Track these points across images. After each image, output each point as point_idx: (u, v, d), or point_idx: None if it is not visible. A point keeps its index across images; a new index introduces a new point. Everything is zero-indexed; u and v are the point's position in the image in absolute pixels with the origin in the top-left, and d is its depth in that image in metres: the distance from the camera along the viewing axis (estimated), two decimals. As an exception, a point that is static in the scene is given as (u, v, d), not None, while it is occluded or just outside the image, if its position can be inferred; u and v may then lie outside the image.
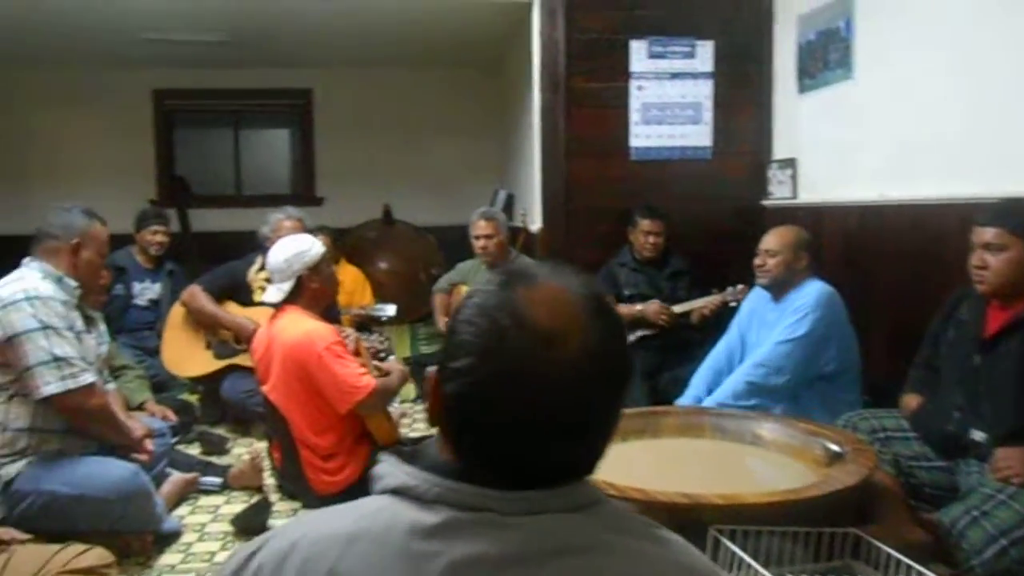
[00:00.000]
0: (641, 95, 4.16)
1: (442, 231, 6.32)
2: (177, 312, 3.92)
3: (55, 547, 2.07)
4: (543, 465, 0.77)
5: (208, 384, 3.87)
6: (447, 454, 0.81)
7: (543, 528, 0.75)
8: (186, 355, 3.83)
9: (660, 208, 3.85)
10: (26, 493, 2.36)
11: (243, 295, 3.86)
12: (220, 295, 3.82)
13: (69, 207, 2.70)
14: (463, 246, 4.67)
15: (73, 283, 2.57)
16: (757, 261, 2.93)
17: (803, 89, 3.83)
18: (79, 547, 2.06)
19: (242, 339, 3.67)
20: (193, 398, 4.05)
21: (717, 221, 4.12)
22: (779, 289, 2.88)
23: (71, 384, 2.39)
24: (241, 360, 3.70)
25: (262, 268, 3.90)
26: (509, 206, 5.43)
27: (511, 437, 0.76)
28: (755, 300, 3.05)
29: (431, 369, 0.84)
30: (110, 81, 6.30)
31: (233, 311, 3.81)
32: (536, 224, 4.39)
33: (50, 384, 2.36)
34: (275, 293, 2.75)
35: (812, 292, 2.76)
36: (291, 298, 2.77)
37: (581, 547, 0.75)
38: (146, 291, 4.49)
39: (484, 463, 0.77)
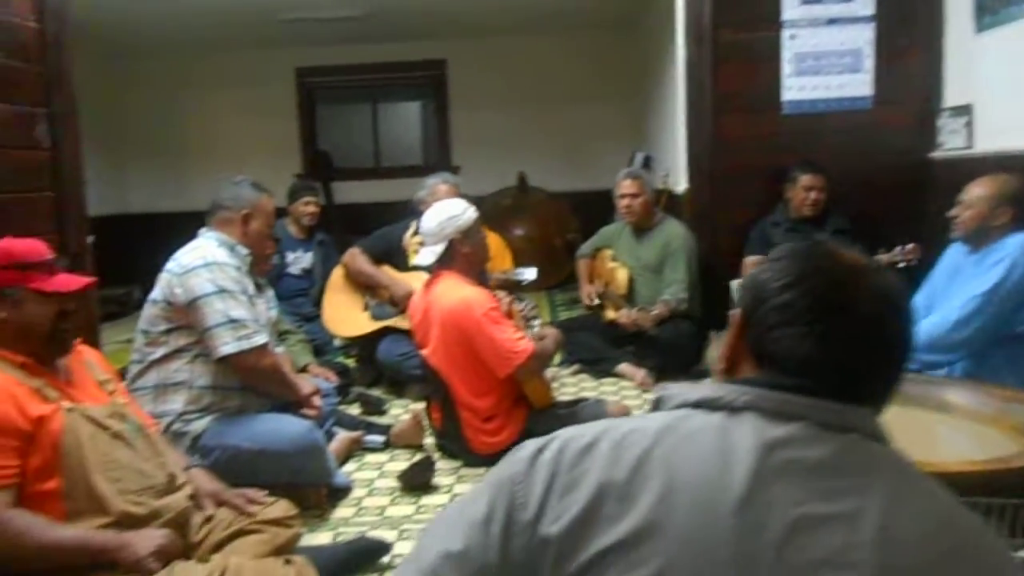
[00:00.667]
0: (794, 44, 3.93)
1: (576, 197, 6.26)
2: (337, 274, 4.08)
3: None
4: (848, 389, 0.83)
5: (364, 346, 4.00)
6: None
7: (854, 446, 0.80)
8: (345, 316, 3.98)
9: (819, 162, 3.64)
10: (212, 448, 2.50)
11: (398, 259, 3.96)
12: (378, 258, 3.94)
13: (239, 180, 2.85)
14: (597, 211, 4.60)
15: (244, 251, 2.70)
16: (953, 212, 2.71)
17: (981, 28, 3.50)
18: (267, 500, 2.18)
19: (397, 300, 3.77)
20: (349, 362, 4.20)
21: (879, 176, 3.85)
22: (976, 242, 2.65)
23: (245, 345, 2.51)
24: (397, 322, 3.80)
25: (416, 232, 3.98)
26: (647, 168, 5.30)
27: (823, 357, 0.83)
28: (953, 254, 2.83)
29: (734, 311, 0.92)
30: (255, 62, 6.58)
31: (389, 274, 3.93)
32: (681, 185, 4.26)
33: (227, 344, 2.50)
34: (428, 255, 2.79)
35: (1011, 245, 2.52)
36: (444, 263, 2.80)
37: (884, 472, 0.79)
38: (299, 260, 4.68)
39: (793, 382, 0.83)
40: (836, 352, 0.84)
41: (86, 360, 2.09)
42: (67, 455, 1.83)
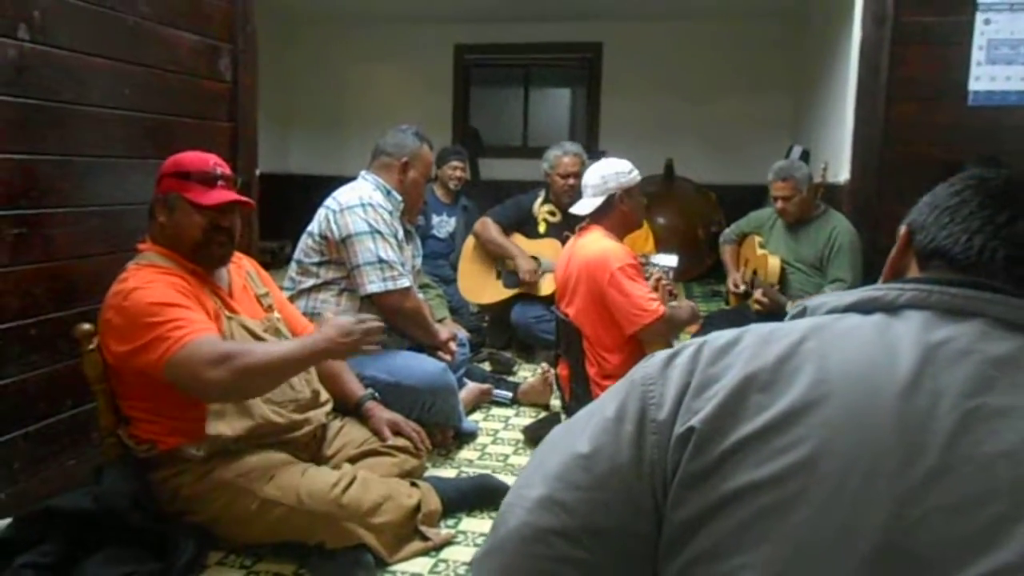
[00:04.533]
0: (988, 30, 3.61)
1: (724, 189, 6.06)
2: (470, 243, 4.13)
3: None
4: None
5: (497, 311, 4.03)
6: None
7: None
8: (479, 284, 4.03)
9: (1001, 159, 3.34)
10: (352, 376, 2.58)
11: (529, 227, 3.97)
12: (509, 227, 3.96)
13: (404, 128, 2.93)
14: (745, 205, 4.42)
15: (399, 197, 2.77)
16: None
17: None
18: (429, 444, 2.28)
19: (521, 276, 3.78)
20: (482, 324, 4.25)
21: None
22: None
23: (390, 285, 2.58)
24: (529, 289, 3.80)
25: (545, 201, 3.98)
26: (804, 161, 5.05)
27: (1000, 248, 0.76)
28: None
29: (902, 227, 0.87)
30: (416, 36, 6.77)
31: (520, 243, 3.93)
32: (843, 175, 4.02)
33: (373, 283, 2.56)
34: (585, 205, 2.75)
35: None
36: (598, 216, 2.75)
37: None
38: (443, 224, 4.77)
39: (966, 278, 0.76)
40: (1017, 241, 0.75)
41: (247, 271, 2.20)
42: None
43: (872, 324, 0.76)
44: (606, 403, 0.85)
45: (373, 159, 2.85)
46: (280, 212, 5.83)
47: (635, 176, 2.78)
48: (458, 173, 4.75)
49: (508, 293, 3.91)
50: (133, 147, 2.41)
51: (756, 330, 0.81)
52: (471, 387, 3.06)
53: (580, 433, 0.84)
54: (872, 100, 3.76)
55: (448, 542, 2.01)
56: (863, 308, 0.79)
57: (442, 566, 1.91)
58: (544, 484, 0.83)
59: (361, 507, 1.85)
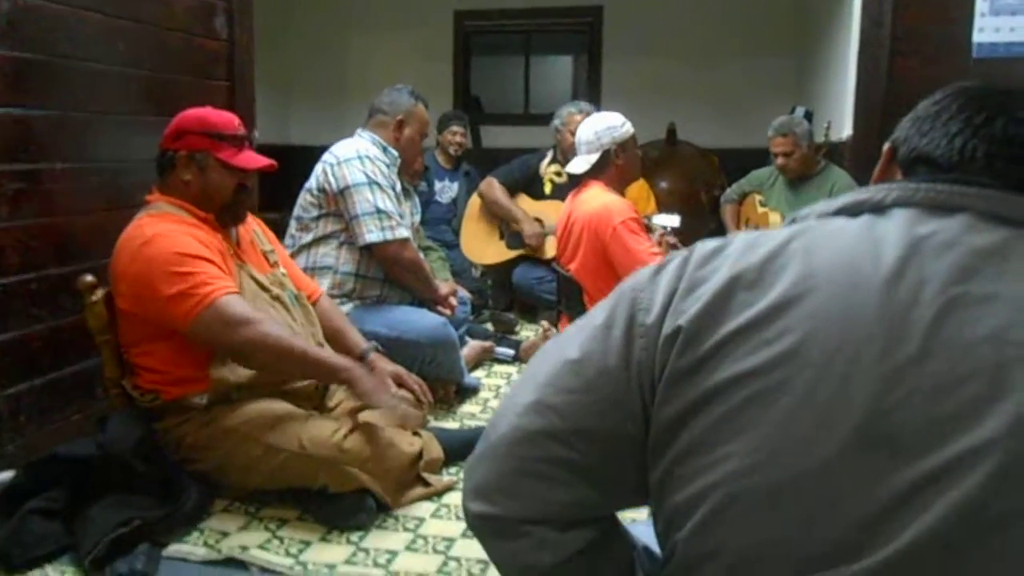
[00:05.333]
0: (992, -21, 3.56)
1: (727, 153, 6.01)
2: (474, 203, 4.12)
3: None
4: (1012, 180, 0.76)
5: (499, 272, 4.03)
6: None
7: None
8: (483, 244, 4.03)
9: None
10: (352, 331, 2.60)
11: (535, 188, 3.96)
12: (514, 187, 3.95)
13: (399, 88, 2.93)
14: (749, 168, 4.40)
15: (395, 153, 2.78)
16: None
17: None
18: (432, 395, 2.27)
19: (526, 238, 3.77)
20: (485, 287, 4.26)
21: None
22: None
23: (388, 235, 2.59)
24: (530, 251, 3.80)
25: (553, 161, 3.97)
26: (808, 121, 5.01)
27: (981, 145, 0.78)
28: None
29: (885, 145, 0.89)
30: (416, 3, 6.71)
31: (524, 205, 3.93)
32: (845, 131, 3.99)
33: (372, 232, 2.58)
34: (580, 163, 2.75)
35: None
36: (595, 172, 2.75)
37: None
38: (445, 190, 4.76)
39: (950, 176, 0.78)
40: (996, 138, 0.77)
41: (254, 229, 2.22)
42: (232, 305, 1.93)
43: (859, 223, 0.77)
44: (595, 314, 0.86)
45: (369, 118, 2.86)
46: (281, 183, 5.76)
47: (628, 129, 2.77)
48: (458, 138, 4.74)
49: (511, 254, 3.92)
50: (130, 104, 2.40)
51: (743, 236, 0.82)
52: (473, 344, 3.07)
53: (570, 342, 0.85)
54: (874, 54, 3.71)
55: (449, 488, 2.03)
56: (850, 211, 0.80)
57: (444, 511, 1.93)
58: (535, 391, 0.84)
59: (363, 452, 1.87)
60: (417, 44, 6.77)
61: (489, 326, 3.67)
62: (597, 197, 2.71)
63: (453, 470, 2.15)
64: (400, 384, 2.23)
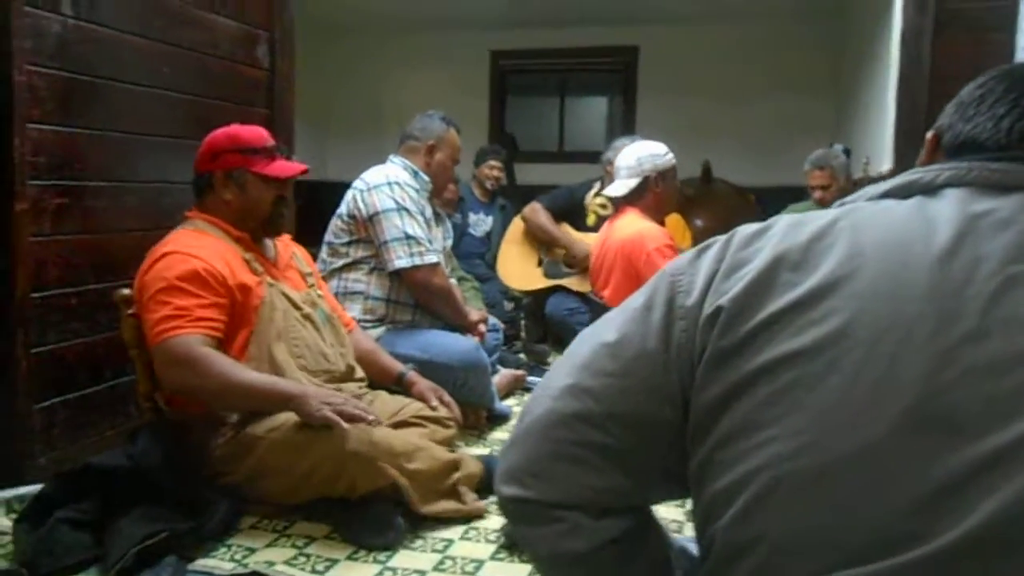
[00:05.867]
0: (1033, 13, 3.52)
1: (762, 191, 5.98)
2: (517, 227, 4.13)
3: (407, 400, 2.25)
4: None
5: (533, 302, 4.02)
6: None
7: None
8: (519, 269, 4.02)
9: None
10: (384, 355, 2.59)
11: (578, 218, 3.96)
12: (558, 215, 3.95)
13: (431, 113, 2.96)
14: (784, 207, 4.36)
15: (426, 178, 2.80)
16: None
17: None
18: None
19: (574, 261, 3.75)
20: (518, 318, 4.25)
21: None
22: None
23: (417, 260, 2.60)
24: (568, 282, 3.79)
25: (598, 194, 3.97)
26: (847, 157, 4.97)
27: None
28: None
29: (930, 133, 0.88)
30: (453, 44, 6.83)
31: (568, 233, 3.92)
32: (885, 166, 3.94)
33: (400, 259, 2.58)
34: (619, 187, 2.74)
35: None
36: (632, 198, 2.74)
37: None
38: (480, 223, 4.78)
39: (1002, 155, 0.76)
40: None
41: (294, 252, 2.24)
42: (260, 322, 1.96)
43: (909, 204, 0.75)
44: (635, 297, 0.84)
45: (401, 143, 2.90)
46: (318, 218, 5.87)
47: (670, 158, 2.77)
48: (495, 173, 4.77)
49: (547, 282, 3.90)
50: (172, 127, 2.46)
51: (787, 218, 0.80)
52: (505, 373, 3.05)
53: (608, 325, 0.83)
54: (914, 89, 3.68)
55: (481, 514, 1.97)
56: (900, 193, 0.78)
57: (473, 532, 1.88)
58: (570, 374, 0.82)
59: (393, 448, 1.84)
60: (453, 82, 6.89)
61: (522, 356, 3.64)
62: (632, 224, 2.70)
63: (492, 498, 2.10)
64: (442, 401, 2.24)
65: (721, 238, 0.82)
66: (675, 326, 0.77)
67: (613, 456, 0.78)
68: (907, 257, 0.69)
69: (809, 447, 0.66)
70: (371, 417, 1.83)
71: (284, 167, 2.06)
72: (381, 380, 2.31)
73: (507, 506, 0.83)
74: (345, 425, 1.75)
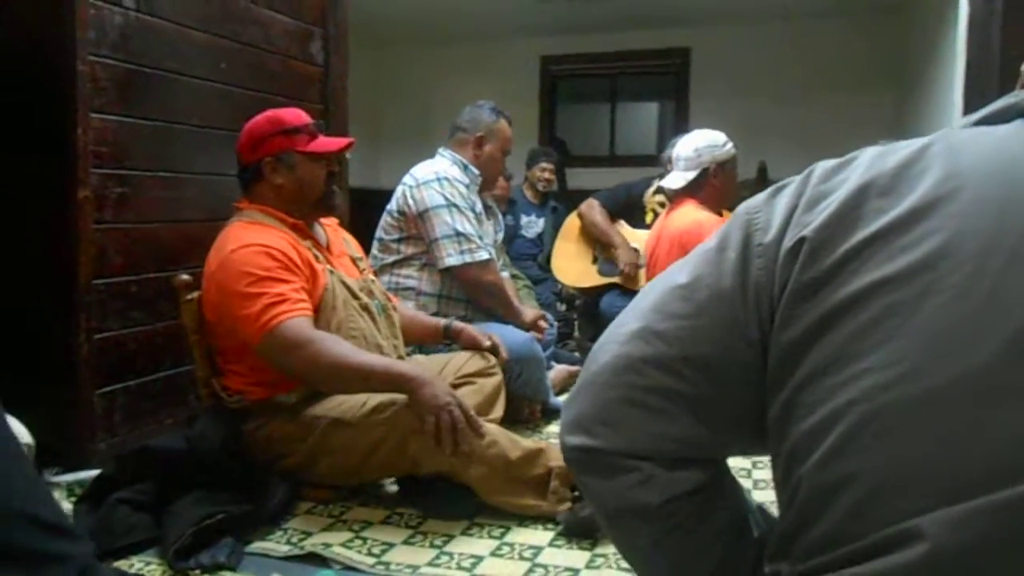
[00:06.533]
0: (1110, -6, 3.37)
1: (821, 191, 5.83)
2: (572, 224, 4.09)
3: (447, 356, 2.26)
4: None
5: (587, 299, 3.97)
6: None
7: None
8: (574, 266, 3.98)
9: None
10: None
11: (635, 216, 3.90)
12: (615, 212, 3.90)
13: (481, 103, 2.94)
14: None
15: (476, 171, 2.78)
16: None
17: None
18: (465, 355, 2.23)
19: (622, 264, 3.69)
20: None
21: None
22: None
23: (468, 258, 2.57)
24: (624, 281, 3.73)
25: (658, 191, 3.90)
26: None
27: None
28: None
29: None
30: (502, 52, 6.85)
31: (623, 232, 3.87)
32: (952, 159, 3.80)
33: (451, 256, 2.56)
34: (676, 179, 2.69)
35: None
36: (690, 190, 2.68)
37: None
38: (531, 225, 4.76)
39: None
40: None
41: (344, 238, 2.23)
42: (323, 310, 1.94)
43: (1009, 127, 0.69)
44: (708, 241, 0.79)
45: (450, 136, 2.88)
46: (372, 227, 5.95)
47: (729, 149, 2.71)
48: (547, 175, 4.75)
49: (601, 280, 3.85)
50: (228, 120, 2.47)
51: (873, 148, 0.75)
52: (559, 368, 3.00)
53: (679, 269, 0.79)
54: (983, 78, 3.54)
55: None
56: (998, 118, 0.73)
57: (530, 520, 1.83)
58: (640, 318, 0.78)
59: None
60: (503, 88, 6.88)
61: (576, 354, 3.59)
62: (690, 214, 2.64)
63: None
64: (493, 346, 2.23)
65: (797, 176, 0.77)
66: (752, 264, 0.73)
67: (686, 402, 0.74)
68: (1012, 175, 0.63)
69: (909, 376, 0.60)
70: (481, 429, 1.78)
71: (329, 142, 2.02)
72: (428, 340, 2.33)
73: (573, 457, 0.79)
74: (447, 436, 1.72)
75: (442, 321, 2.29)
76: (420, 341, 2.31)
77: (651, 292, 0.80)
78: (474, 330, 2.25)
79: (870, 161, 0.71)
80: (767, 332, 0.71)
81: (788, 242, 0.70)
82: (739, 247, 0.74)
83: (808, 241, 0.68)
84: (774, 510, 0.82)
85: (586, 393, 0.78)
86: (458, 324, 2.27)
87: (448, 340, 2.31)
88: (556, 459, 1.82)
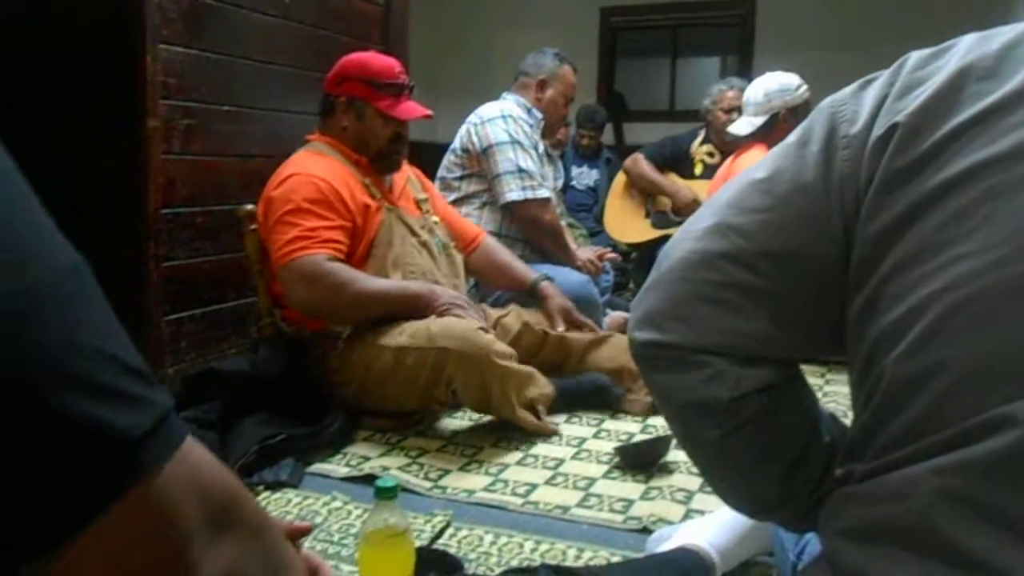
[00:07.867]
0: None
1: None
2: (619, 180, 4.04)
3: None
4: None
5: (643, 252, 3.93)
6: None
7: None
8: (626, 222, 3.93)
9: None
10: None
11: (684, 168, 3.82)
12: (662, 165, 3.83)
13: (545, 50, 2.93)
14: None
15: (539, 115, 2.76)
16: None
17: None
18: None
19: (680, 208, 3.64)
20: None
21: None
22: None
23: (529, 194, 2.57)
24: (677, 231, 3.68)
25: (705, 141, 3.82)
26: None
27: None
28: None
29: None
30: (561, 2, 6.74)
31: (673, 181, 3.80)
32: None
33: (513, 191, 2.56)
34: (744, 125, 2.62)
35: None
36: (760, 135, 2.61)
37: None
38: (583, 176, 4.73)
39: None
40: None
41: (409, 176, 2.24)
42: (377, 246, 1.97)
43: None
44: (787, 139, 0.77)
45: (514, 81, 2.87)
46: (431, 180, 5.97)
47: (803, 92, 2.62)
48: (585, 141, 4.73)
49: (656, 233, 3.79)
50: (291, 57, 2.50)
51: (972, 34, 0.70)
52: (615, 316, 2.98)
53: (757, 166, 0.77)
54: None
55: (555, 433, 1.93)
56: None
57: (584, 454, 1.83)
58: (715, 214, 0.76)
59: (492, 344, 1.82)
60: (562, 41, 6.74)
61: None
62: (759, 157, 2.57)
63: (561, 417, 2.05)
64: (569, 319, 2.22)
65: (892, 66, 0.73)
66: (837, 156, 0.70)
67: (761, 298, 0.72)
68: None
69: (1008, 259, 0.58)
70: (486, 326, 1.82)
71: (407, 109, 2.05)
72: (515, 288, 2.35)
73: (642, 351, 0.77)
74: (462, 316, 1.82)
75: (533, 275, 2.27)
76: (506, 286, 2.33)
77: (727, 190, 0.78)
78: (556, 309, 2.24)
79: (969, 46, 0.68)
80: (851, 226, 0.68)
81: (878, 131, 0.67)
82: (823, 140, 0.71)
83: (901, 127, 0.65)
84: (846, 421, 0.81)
85: (658, 289, 0.77)
86: (548, 289, 2.27)
87: (532, 295, 2.31)
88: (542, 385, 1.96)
